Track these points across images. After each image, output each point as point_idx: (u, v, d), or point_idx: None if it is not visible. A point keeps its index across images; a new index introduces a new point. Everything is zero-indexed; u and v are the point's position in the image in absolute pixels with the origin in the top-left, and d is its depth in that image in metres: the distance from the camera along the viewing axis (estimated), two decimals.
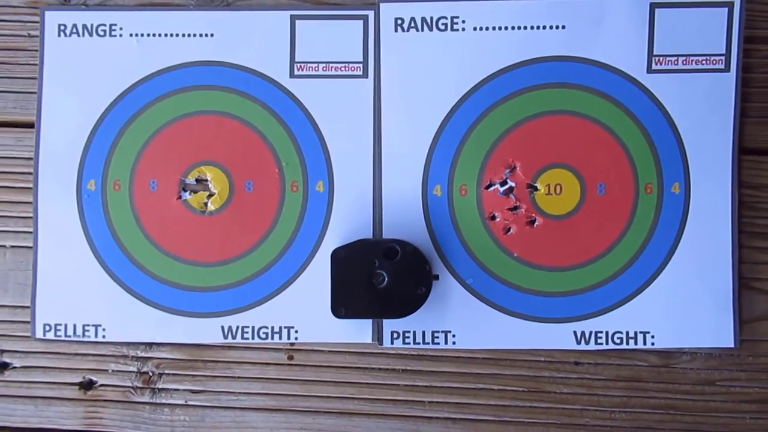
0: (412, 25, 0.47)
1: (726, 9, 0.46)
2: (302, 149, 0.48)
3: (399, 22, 0.47)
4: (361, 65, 0.48)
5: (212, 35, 0.48)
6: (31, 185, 0.48)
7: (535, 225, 0.46)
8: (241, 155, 0.48)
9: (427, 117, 0.47)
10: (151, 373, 0.47)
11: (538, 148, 0.46)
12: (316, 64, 0.48)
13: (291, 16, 0.48)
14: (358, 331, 0.47)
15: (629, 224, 0.46)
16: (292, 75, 0.48)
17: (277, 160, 0.48)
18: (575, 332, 0.46)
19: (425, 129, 0.47)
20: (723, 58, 0.46)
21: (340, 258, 0.45)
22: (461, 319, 0.46)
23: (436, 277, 0.46)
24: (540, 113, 0.46)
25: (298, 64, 0.48)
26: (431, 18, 0.46)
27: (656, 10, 0.46)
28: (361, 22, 0.48)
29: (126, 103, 0.48)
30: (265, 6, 0.49)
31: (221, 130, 0.48)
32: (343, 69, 0.48)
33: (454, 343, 0.46)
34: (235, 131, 0.48)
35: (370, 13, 0.48)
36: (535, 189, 0.47)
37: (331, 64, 0.48)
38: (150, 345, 0.47)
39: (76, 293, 0.47)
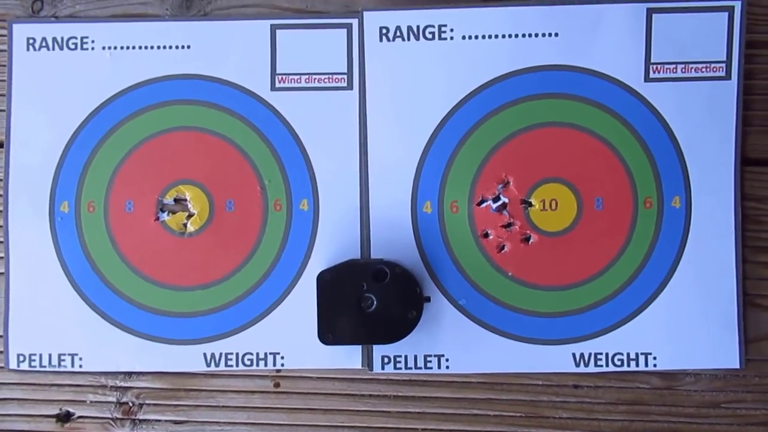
0: (398, 34, 0.44)
1: (726, 14, 0.44)
2: (285, 166, 0.46)
3: (384, 31, 0.44)
4: (345, 76, 0.46)
5: (189, 47, 0.46)
6: (0, 208, 0.46)
7: (530, 242, 0.44)
8: (221, 173, 0.46)
9: (415, 131, 0.45)
10: (131, 404, 0.45)
11: (532, 162, 0.44)
12: (298, 76, 0.46)
13: (271, 25, 0.46)
14: (347, 356, 0.45)
15: (628, 240, 0.44)
16: (273, 88, 0.46)
17: (259, 178, 0.46)
18: (574, 354, 0.44)
19: (413, 143, 0.45)
20: (724, 65, 0.44)
21: (327, 281, 0.42)
22: (454, 342, 0.44)
23: (428, 300, 0.44)
24: (533, 125, 0.44)
25: (280, 76, 0.46)
26: (417, 27, 0.44)
27: (653, 16, 0.44)
28: (345, 30, 0.46)
29: (99, 120, 0.46)
30: (244, 15, 0.46)
31: (200, 147, 0.46)
32: (326, 81, 0.46)
33: (447, 367, 0.44)
34: (214, 148, 0.46)
35: (354, 22, 0.45)
36: (530, 205, 0.44)
37: (313, 76, 0.46)
38: (129, 374, 0.45)
39: (51, 321, 0.45)
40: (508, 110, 0.44)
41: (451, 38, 0.44)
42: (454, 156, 0.45)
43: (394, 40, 0.44)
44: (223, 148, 0.46)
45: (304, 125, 0.46)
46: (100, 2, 0.47)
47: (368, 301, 0.42)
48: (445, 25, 0.44)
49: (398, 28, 0.44)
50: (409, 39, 0.44)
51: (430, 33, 0.44)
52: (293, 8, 0.46)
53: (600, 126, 0.44)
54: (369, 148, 0.45)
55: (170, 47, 0.46)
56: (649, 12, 0.44)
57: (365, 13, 0.45)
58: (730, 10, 0.43)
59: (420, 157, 0.45)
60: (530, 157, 0.44)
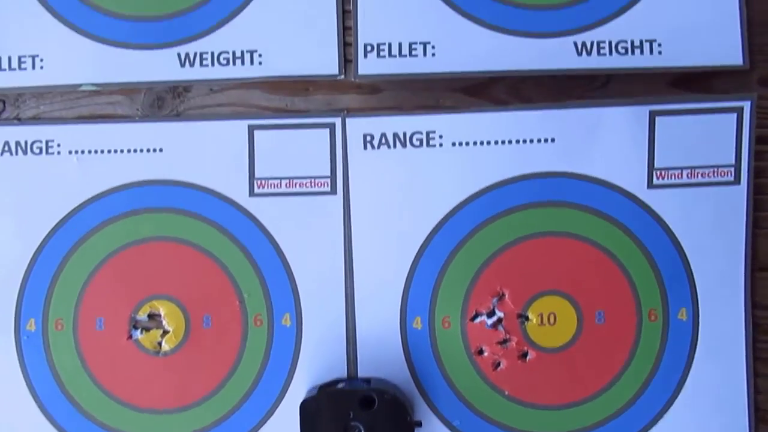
0: (383, 141, 0.41)
1: (734, 115, 0.41)
2: (266, 278, 0.43)
3: (368, 138, 0.41)
4: (328, 180, 0.43)
5: (161, 150, 0.43)
6: None
7: (527, 359, 0.42)
8: (197, 287, 0.43)
9: (403, 241, 0.42)
10: None
11: (529, 274, 0.42)
12: (278, 181, 0.43)
13: (249, 126, 0.43)
14: None
15: (632, 356, 0.41)
16: (251, 193, 0.43)
17: (237, 292, 0.43)
18: None
19: (402, 254, 0.42)
20: (732, 169, 0.41)
21: (310, 411, 0.40)
22: None
23: (419, 424, 0.41)
24: (530, 235, 0.42)
25: (258, 181, 0.43)
26: (404, 133, 0.41)
27: (657, 119, 0.41)
28: (327, 131, 0.43)
29: (67, 230, 0.43)
30: (219, 116, 0.43)
31: (174, 259, 0.43)
32: (308, 185, 0.43)
33: None
34: (189, 259, 0.43)
35: (337, 121, 0.43)
36: (527, 319, 0.42)
37: (295, 180, 0.43)
38: None
39: None
40: (503, 219, 0.42)
41: (441, 145, 0.41)
42: (445, 268, 0.42)
43: (379, 147, 0.41)
44: (198, 260, 0.43)
45: (286, 234, 0.43)
46: (65, 102, 0.44)
47: (355, 431, 0.40)
48: (434, 132, 0.41)
49: (383, 135, 0.41)
50: (395, 146, 0.41)
51: (417, 140, 0.41)
52: (272, 107, 0.44)
53: (600, 235, 0.41)
54: (354, 259, 0.42)
55: (141, 151, 0.43)
56: (652, 115, 0.41)
57: (348, 120, 0.42)
58: (739, 111, 0.41)
59: (409, 269, 0.42)
60: (527, 269, 0.42)
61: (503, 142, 0.41)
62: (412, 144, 0.41)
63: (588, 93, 0.43)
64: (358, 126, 0.41)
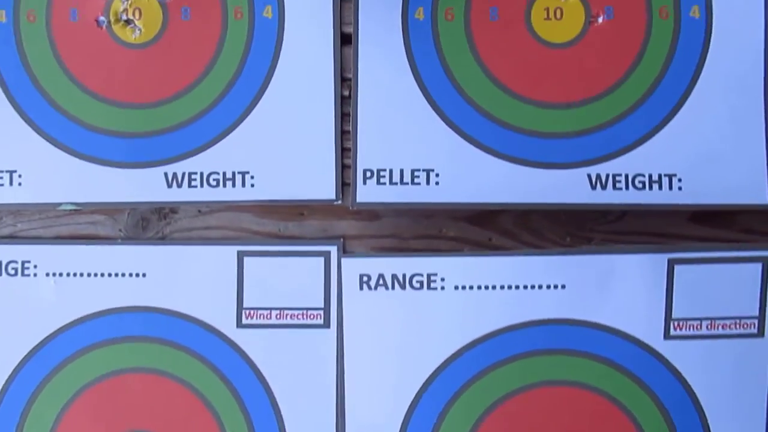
0: (381, 282, 0.39)
1: (759, 265, 0.38)
2: (251, 416, 0.40)
3: (365, 279, 0.39)
4: (321, 312, 0.40)
5: (144, 275, 0.41)
6: None
7: None
8: (178, 423, 0.40)
9: (400, 384, 0.39)
10: None
11: (533, 425, 0.39)
12: (267, 311, 0.40)
13: (238, 252, 0.40)
14: None
15: None
16: (239, 324, 0.40)
17: (221, 429, 0.40)
18: None
19: (398, 398, 0.39)
20: (756, 321, 0.38)
21: None
22: None
23: None
24: (535, 383, 0.39)
25: (247, 311, 0.40)
26: (404, 275, 0.39)
27: (675, 267, 0.38)
28: (322, 260, 0.40)
29: (41, 359, 0.41)
30: (207, 240, 0.41)
31: (155, 393, 0.40)
32: (300, 317, 0.40)
33: None
34: (170, 393, 0.40)
35: (333, 249, 0.40)
36: None
37: (285, 311, 0.40)
38: None
39: None
40: (507, 366, 0.39)
41: (442, 288, 0.38)
42: (443, 415, 0.39)
43: (376, 288, 0.39)
44: (180, 394, 0.40)
45: (274, 369, 0.40)
46: (43, 221, 0.41)
47: None
48: (435, 274, 0.38)
49: (381, 276, 0.39)
50: (393, 288, 0.39)
51: (417, 282, 0.38)
52: (264, 232, 0.41)
53: (612, 387, 0.39)
54: (347, 400, 0.39)
55: (123, 275, 0.41)
56: (671, 263, 0.38)
57: (344, 260, 0.39)
58: (765, 261, 0.38)
59: (405, 414, 0.39)
60: (531, 419, 0.39)
61: (509, 287, 0.38)
62: (411, 286, 0.38)
63: (602, 227, 0.40)
64: (354, 266, 0.39)
